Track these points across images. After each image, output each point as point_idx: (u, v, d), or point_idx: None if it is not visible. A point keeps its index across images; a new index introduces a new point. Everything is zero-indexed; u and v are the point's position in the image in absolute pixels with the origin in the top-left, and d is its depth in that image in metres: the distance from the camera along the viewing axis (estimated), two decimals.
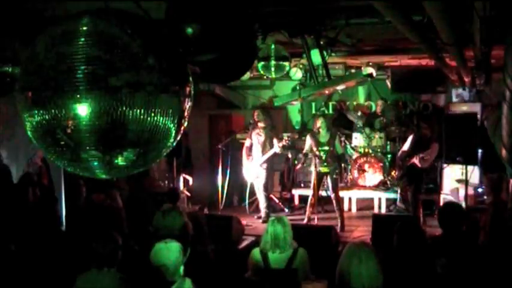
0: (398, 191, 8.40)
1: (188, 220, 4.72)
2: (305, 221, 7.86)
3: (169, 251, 3.25)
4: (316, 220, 7.74)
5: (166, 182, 8.38)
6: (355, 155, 9.39)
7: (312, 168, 7.83)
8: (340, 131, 9.29)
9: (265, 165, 8.25)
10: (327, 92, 10.10)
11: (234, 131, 10.09)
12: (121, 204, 6.21)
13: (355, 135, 9.62)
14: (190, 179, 8.68)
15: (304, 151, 8.09)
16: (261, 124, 8.23)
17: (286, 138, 8.30)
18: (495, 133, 4.63)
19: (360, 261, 2.78)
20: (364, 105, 11.10)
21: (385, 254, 3.36)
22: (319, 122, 7.86)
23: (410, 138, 8.04)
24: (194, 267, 3.48)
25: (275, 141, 8.12)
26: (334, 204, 7.85)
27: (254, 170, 8.32)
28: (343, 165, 9.26)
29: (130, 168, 2.55)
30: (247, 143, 8.48)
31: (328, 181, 7.84)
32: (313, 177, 7.81)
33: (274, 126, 8.51)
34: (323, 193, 8.29)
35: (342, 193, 8.77)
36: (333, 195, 7.83)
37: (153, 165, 7.27)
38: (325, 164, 7.72)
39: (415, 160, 7.67)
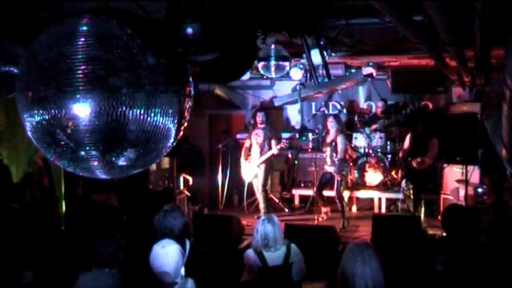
0: (401, 190, 8.38)
1: (189, 220, 4.71)
2: (316, 221, 7.77)
3: (169, 257, 3.21)
4: (316, 220, 7.74)
5: (166, 182, 8.37)
6: (355, 155, 9.38)
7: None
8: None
9: (263, 165, 8.24)
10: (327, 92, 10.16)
11: (228, 131, 10.08)
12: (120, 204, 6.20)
13: (355, 135, 9.62)
14: (190, 179, 8.68)
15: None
16: (261, 125, 8.24)
17: (284, 141, 8.30)
18: (495, 133, 4.63)
19: (364, 262, 2.76)
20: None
21: (385, 254, 3.35)
22: (328, 122, 7.87)
23: (408, 137, 8.03)
24: (194, 267, 3.47)
25: (273, 142, 8.13)
26: (338, 205, 7.83)
27: (252, 170, 8.32)
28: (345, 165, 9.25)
29: (130, 168, 2.55)
30: (246, 143, 8.48)
31: (335, 182, 7.81)
32: (318, 177, 7.82)
33: (273, 127, 8.51)
34: (330, 193, 8.20)
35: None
36: (336, 196, 7.80)
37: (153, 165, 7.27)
38: (331, 164, 7.70)
39: (414, 163, 7.66)
